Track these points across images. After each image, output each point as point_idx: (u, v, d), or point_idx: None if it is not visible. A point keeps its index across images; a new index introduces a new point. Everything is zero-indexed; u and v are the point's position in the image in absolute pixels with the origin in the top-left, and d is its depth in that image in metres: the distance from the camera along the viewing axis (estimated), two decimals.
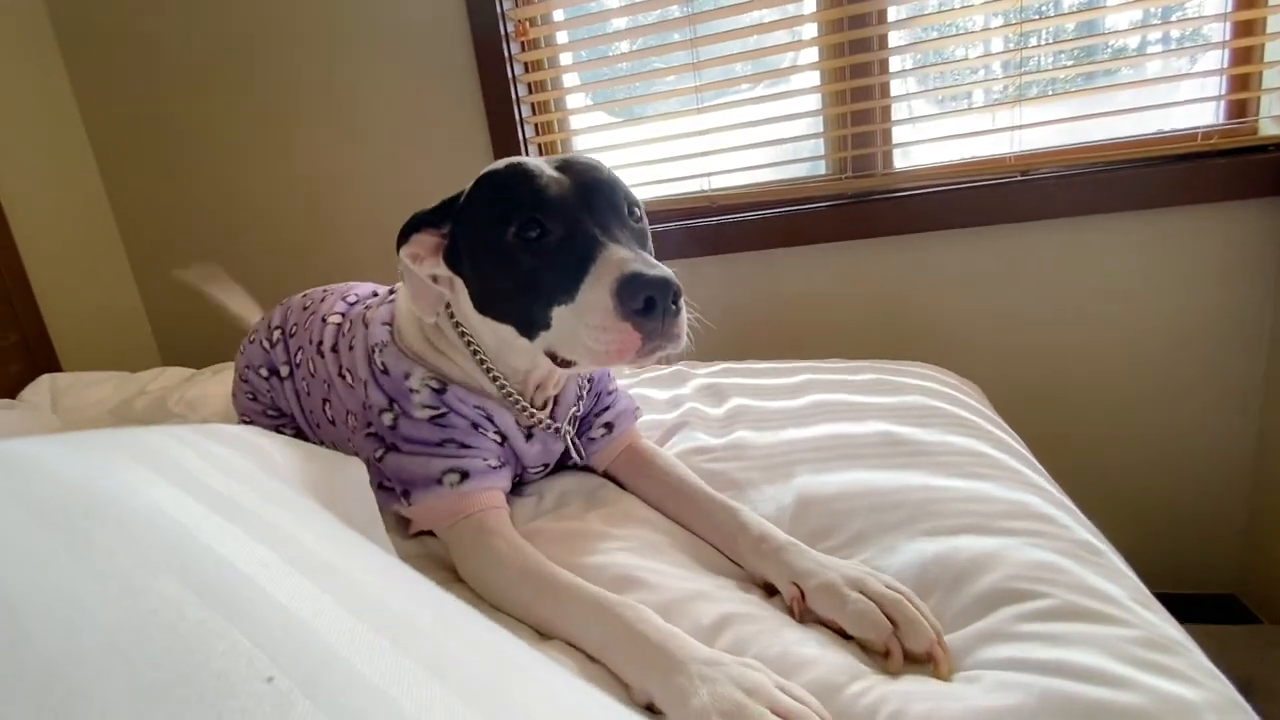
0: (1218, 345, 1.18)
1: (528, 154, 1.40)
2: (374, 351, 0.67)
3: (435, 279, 0.63)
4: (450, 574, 0.59)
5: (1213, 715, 0.37)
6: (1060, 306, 1.23)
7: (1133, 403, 1.24)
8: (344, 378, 0.72)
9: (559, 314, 0.54)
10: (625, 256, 0.51)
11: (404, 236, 0.61)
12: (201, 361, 1.46)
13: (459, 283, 0.63)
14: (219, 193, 1.64)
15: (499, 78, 1.37)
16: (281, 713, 0.17)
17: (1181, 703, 0.37)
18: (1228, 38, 1.10)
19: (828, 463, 0.68)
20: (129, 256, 1.76)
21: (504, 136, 1.40)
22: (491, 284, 0.59)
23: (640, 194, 1.51)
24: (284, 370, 0.85)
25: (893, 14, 1.22)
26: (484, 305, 0.61)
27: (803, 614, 0.50)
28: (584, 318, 0.51)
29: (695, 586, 0.51)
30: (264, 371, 0.86)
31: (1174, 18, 1.20)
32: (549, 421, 0.67)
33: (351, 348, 0.71)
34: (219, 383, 1.22)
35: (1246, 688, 0.41)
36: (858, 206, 1.27)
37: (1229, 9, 1.10)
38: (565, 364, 0.57)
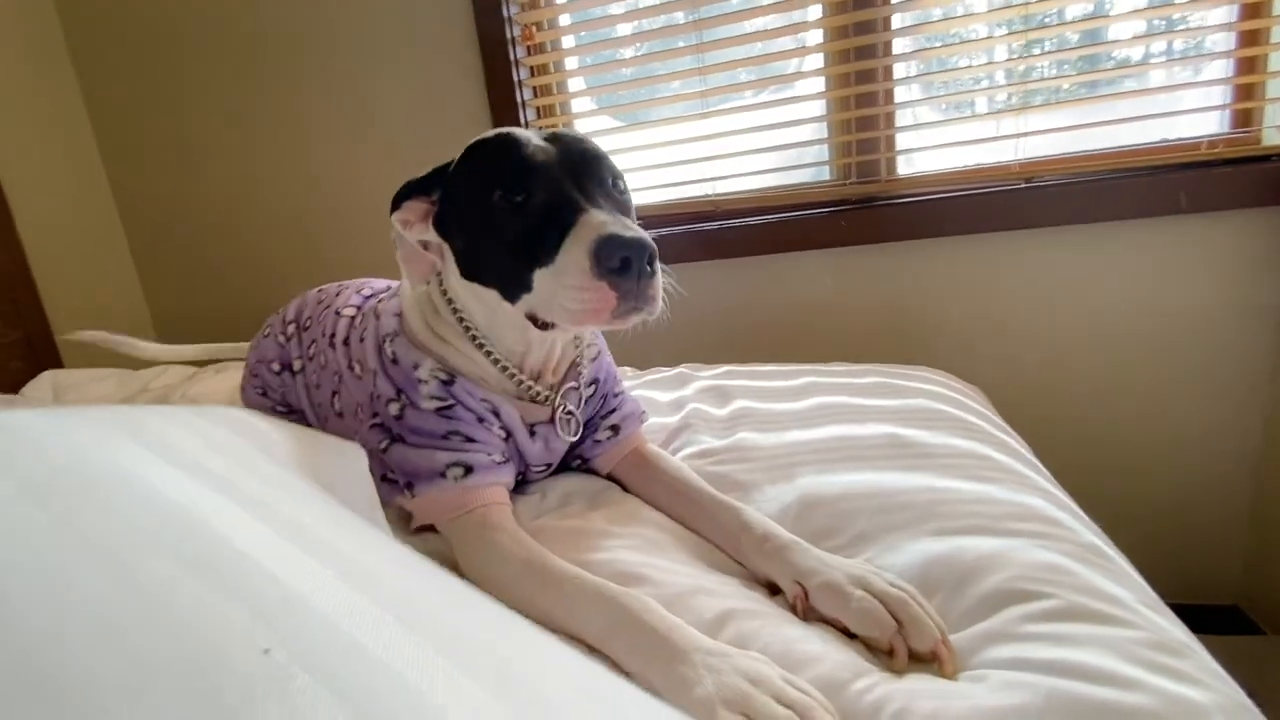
0: (1221, 354, 1.18)
1: None
2: (384, 341, 0.67)
3: (426, 246, 0.66)
4: (453, 571, 0.59)
5: (1222, 717, 0.36)
6: (1064, 314, 1.23)
7: (1135, 412, 1.24)
8: (354, 370, 0.72)
9: (540, 276, 0.55)
10: (604, 219, 0.52)
11: (396, 204, 0.64)
12: (204, 361, 1.46)
13: (449, 253, 0.64)
14: (224, 190, 1.64)
15: (505, 81, 1.37)
16: (280, 685, 0.16)
17: (1190, 705, 0.37)
18: (1232, 47, 1.10)
19: (831, 464, 0.68)
20: (133, 254, 1.76)
21: None
22: (477, 247, 0.60)
23: (645, 198, 1.51)
24: (296, 365, 0.85)
25: (897, 21, 1.23)
26: (469, 270, 0.62)
27: (806, 612, 0.49)
28: (562, 278, 0.52)
29: (698, 582, 0.51)
30: (276, 366, 0.86)
31: (1178, 28, 1.21)
32: (547, 394, 0.66)
33: (363, 340, 0.71)
34: (221, 380, 1.22)
35: (1250, 699, 0.41)
36: (861, 212, 1.27)
37: (1234, 19, 1.11)
38: (545, 326, 0.58)
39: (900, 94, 1.27)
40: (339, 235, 1.59)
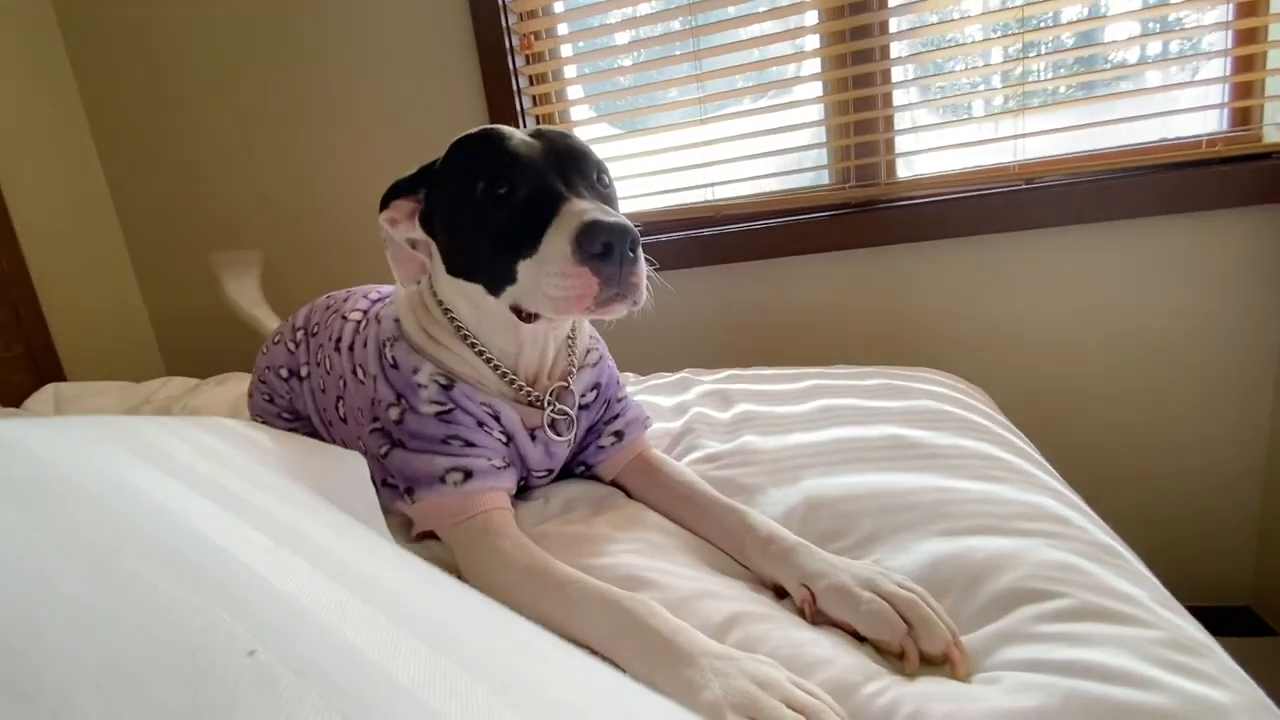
0: (1225, 353, 1.17)
1: None
2: (385, 346, 0.67)
3: (415, 246, 0.66)
4: (454, 578, 0.58)
5: (1243, 717, 0.35)
6: (1066, 314, 1.23)
7: (1139, 411, 1.23)
8: (356, 374, 0.72)
9: (524, 267, 0.55)
10: (586, 207, 0.52)
11: (384, 203, 0.64)
12: (206, 373, 1.46)
13: (436, 251, 0.64)
14: (227, 201, 1.65)
15: (504, 89, 1.38)
16: (265, 686, 0.16)
17: (1210, 704, 0.36)
18: (1229, 46, 1.10)
19: (836, 466, 0.67)
20: (134, 267, 1.76)
21: None
22: (461, 241, 0.60)
23: (645, 204, 1.51)
24: (304, 371, 0.84)
25: (894, 25, 1.23)
26: (455, 266, 0.62)
27: (814, 616, 0.48)
28: (544, 266, 0.53)
29: (704, 586, 0.50)
30: (284, 372, 0.86)
31: (1175, 28, 1.21)
32: (546, 399, 0.66)
33: (365, 344, 0.71)
34: (224, 391, 1.22)
35: None
36: (861, 215, 1.27)
37: (1230, 18, 1.11)
38: (529, 318, 0.58)
39: (899, 97, 1.27)
40: (339, 242, 1.60)
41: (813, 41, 1.29)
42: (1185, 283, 1.16)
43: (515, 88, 1.38)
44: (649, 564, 0.54)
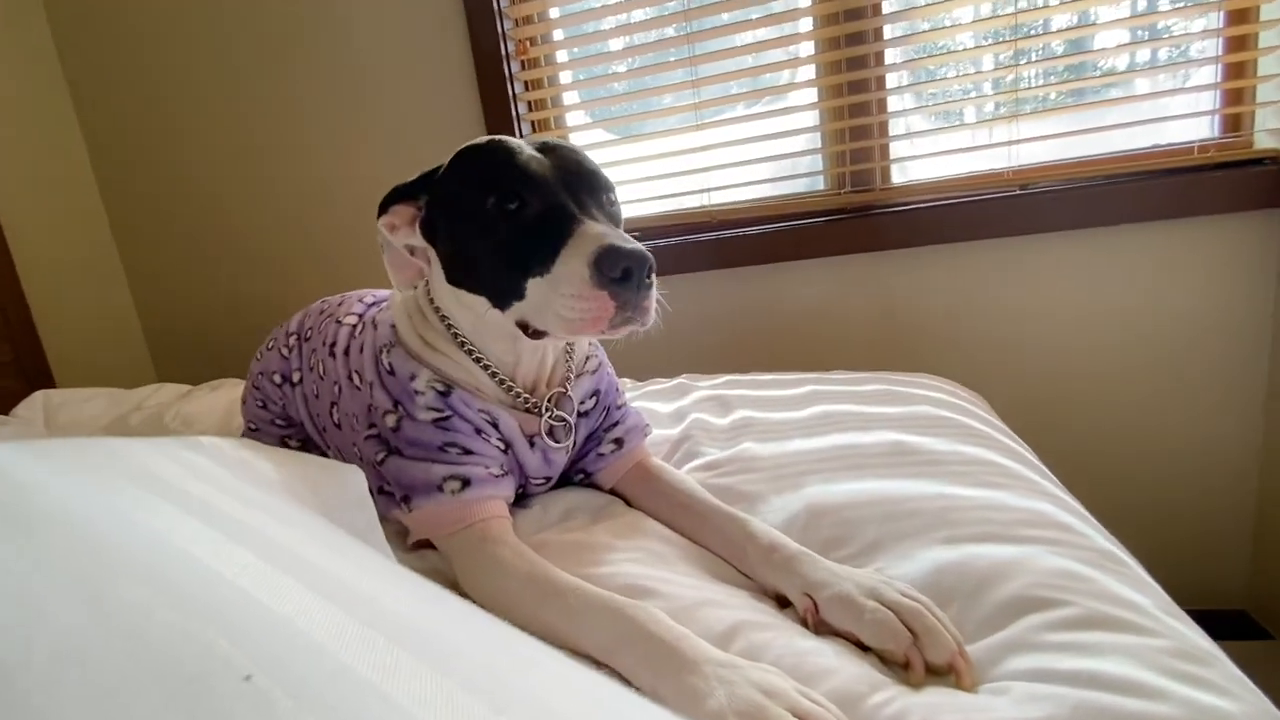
0: (1218, 358, 1.18)
1: None
2: (381, 352, 0.66)
3: (412, 251, 0.66)
4: (451, 588, 0.57)
5: None
6: (1060, 320, 1.23)
7: (1134, 416, 1.23)
8: (352, 380, 0.71)
9: (534, 285, 0.55)
10: (603, 231, 0.53)
11: (383, 208, 0.64)
12: (198, 378, 1.45)
13: (435, 259, 0.64)
14: (219, 205, 1.63)
15: (500, 95, 1.38)
16: (261, 711, 0.15)
17: (1219, 714, 0.35)
18: (1221, 53, 1.12)
19: (837, 472, 0.66)
20: (125, 272, 1.75)
21: None
22: (467, 253, 0.60)
23: (641, 210, 1.51)
24: (296, 377, 0.83)
25: (889, 32, 1.24)
26: (456, 276, 0.61)
27: (817, 625, 0.48)
28: (559, 287, 0.53)
29: (706, 595, 0.50)
30: (277, 378, 0.85)
31: (1167, 35, 1.22)
32: (544, 405, 0.65)
33: (361, 350, 0.70)
34: (218, 397, 1.20)
35: None
36: (857, 221, 1.27)
37: (1221, 25, 1.12)
38: (536, 334, 0.58)
39: (893, 103, 1.28)
40: (334, 247, 1.59)
41: (807, 47, 1.30)
42: (1179, 288, 1.17)
43: (510, 93, 1.38)
44: (650, 573, 0.53)
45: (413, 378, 0.63)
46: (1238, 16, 1.10)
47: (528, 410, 0.65)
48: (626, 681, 0.43)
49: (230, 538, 0.23)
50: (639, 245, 0.52)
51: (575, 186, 0.57)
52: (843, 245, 1.28)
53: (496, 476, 0.62)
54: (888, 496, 0.60)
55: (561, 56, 1.43)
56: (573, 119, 1.46)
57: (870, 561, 0.54)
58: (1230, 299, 1.15)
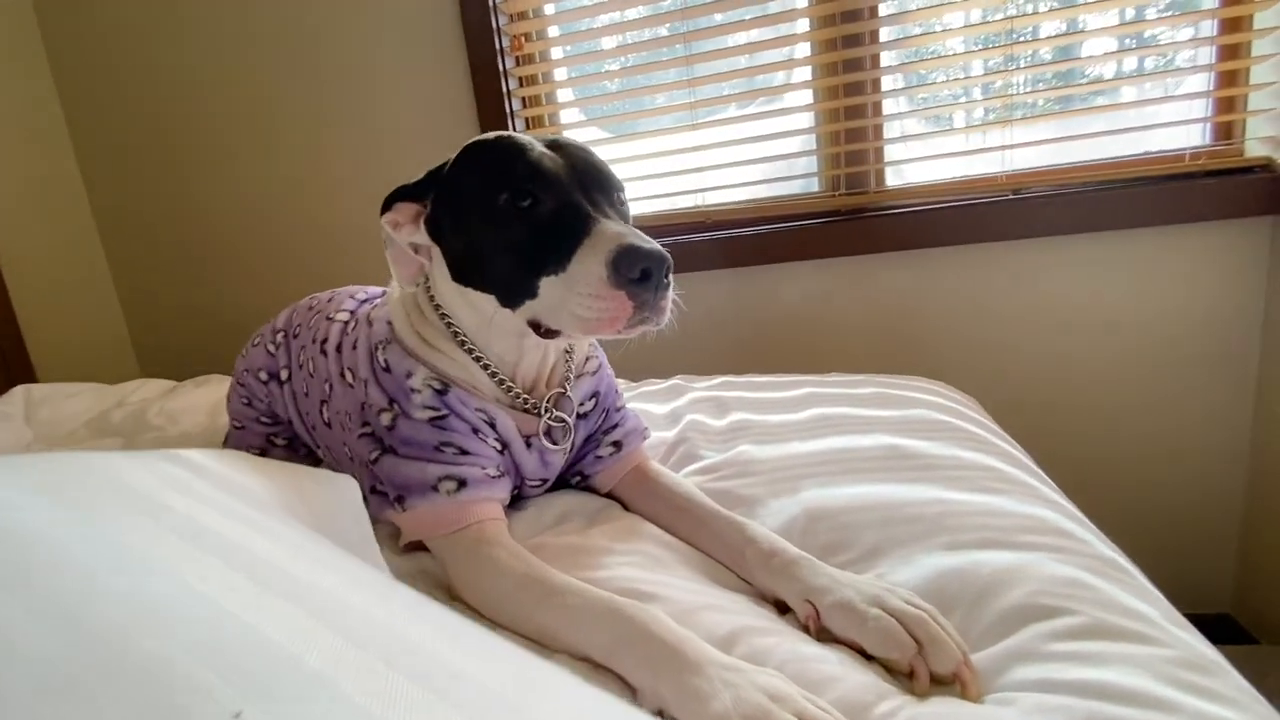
0: (1207, 364, 1.19)
1: None
2: (377, 349, 0.65)
3: (416, 249, 0.64)
4: (446, 594, 0.56)
5: None
6: (1051, 324, 1.23)
7: (1123, 421, 1.24)
8: (345, 377, 0.69)
9: (547, 283, 0.54)
10: (621, 230, 0.52)
11: (387, 205, 0.62)
12: (182, 374, 1.42)
13: (438, 256, 0.62)
14: (205, 201, 1.60)
15: (494, 91, 1.36)
16: None
17: None
18: (1213, 61, 1.12)
19: (835, 476, 0.66)
20: (110, 265, 1.71)
21: None
22: (476, 251, 0.59)
23: (636, 209, 1.50)
24: (284, 374, 0.82)
25: (885, 34, 1.23)
26: (464, 274, 0.60)
27: (819, 632, 0.47)
28: (576, 287, 0.52)
29: (706, 599, 0.49)
30: (263, 375, 0.83)
31: (1158, 43, 1.23)
32: (543, 406, 0.64)
33: (355, 347, 0.69)
34: (204, 393, 1.18)
35: None
36: (851, 223, 1.27)
37: (1214, 33, 1.13)
38: (549, 334, 0.57)
39: (888, 106, 1.28)
40: (321, 244, 1.56)
41: (803, 49, 1.29)
42: (1169, 294, 1.18)
43: (505, 89, 1.36)
44: (648, 576, 0.52)
45: (409, 375, 0.62)
46: (1231, 25, 1.11)
47: (526, 410, 0.64)
48: (627, 683, 0.42)
49: (216, 556, 0.22)
50: (657, 245, 0.51)
51: (587, 184, 0.57)
52: (837, 247, 1.28)
53: (493, 478, 0.60)
54: (886, 501, 0.60)
55: (556, 54, 1.42)
56: (566, 116, 1.45)
57: (871, 567, 0.53)
58: (1220, 305, 1.16)
